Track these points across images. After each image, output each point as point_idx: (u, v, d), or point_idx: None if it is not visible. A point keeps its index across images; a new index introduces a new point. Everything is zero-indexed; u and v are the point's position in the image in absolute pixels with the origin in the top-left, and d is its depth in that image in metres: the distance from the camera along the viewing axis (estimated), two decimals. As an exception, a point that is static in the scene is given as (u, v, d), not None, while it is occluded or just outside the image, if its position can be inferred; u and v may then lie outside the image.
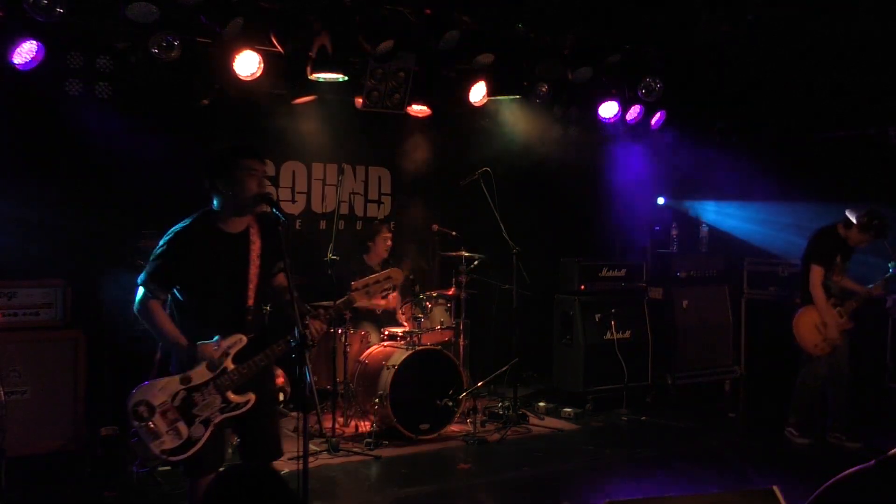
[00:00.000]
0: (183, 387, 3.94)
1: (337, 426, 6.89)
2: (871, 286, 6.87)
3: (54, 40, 6.18)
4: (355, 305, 4.33)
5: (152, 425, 3.88)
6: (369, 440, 6.73)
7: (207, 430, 3.95)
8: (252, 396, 4.03)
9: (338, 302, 4.35)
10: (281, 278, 4.26)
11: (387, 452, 6.61)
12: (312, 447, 6.56)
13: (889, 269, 6.81)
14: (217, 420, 3.97)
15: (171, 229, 4.06)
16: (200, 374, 3.96)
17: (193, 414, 3.93)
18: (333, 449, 6.54)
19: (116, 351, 6.38)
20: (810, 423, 7.08)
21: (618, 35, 7.71)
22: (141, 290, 4.02)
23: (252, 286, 4.08)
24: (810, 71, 8.08)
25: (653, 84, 8.23)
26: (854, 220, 6.80)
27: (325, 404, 7.08)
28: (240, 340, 4.00)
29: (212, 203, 4.11)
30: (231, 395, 3.98)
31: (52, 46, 6.16)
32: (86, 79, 6.50)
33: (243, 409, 4.02)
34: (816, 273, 6.86)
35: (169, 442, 3.91)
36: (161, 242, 4.04)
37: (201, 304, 4.04)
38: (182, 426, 3.92)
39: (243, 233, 4.11)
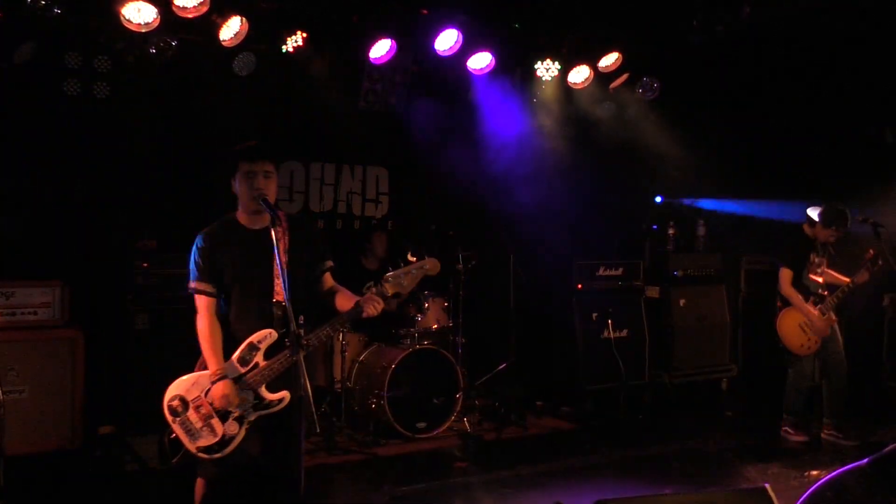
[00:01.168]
0: (215, 382, 3.98)
1: (334, 425, 6.89)
2: (855, 276, 6.88)
3: (52, 40, 6.20)
4: (390, 294, 4.21)
5: (187, 420, 3.92)
6: (366, 439, 6.75)
7: (242, 428, 3.97)
8: (286, 394, 4.05)
9: (371, 291, 4.23)
10: (328, 280, 4.36)
11: (384, 451, 6.63)
12: (310, 446, 6.59)
13: (869, 262, 6.83)
14: (252, 418, 4.00)
15: (200, 232, 4.19)
16: (232, 369, 3.99)
17: (227, 411, 3.96)
18: (331, 448, 6.56)
19: (114, 350, 6.40)
20: (805, 421, 7.12)
21: (616, 34, 7.72)
22: (197, 300, 4.10)
23: (279, 281, 4.05)
24: (808, 71, 8.10)
25: (650, 83, 8.26)
26: (816, 218, 6.88)
27: (323, 404, 7.11)
28: (269, 335, 4.04)
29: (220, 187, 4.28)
30: (264, 392, 4.01)
31: (51, 46, 6.18)
32: (84, 78, 6.53)
33: (278, 407, 4.04)
34: (784, 275, 6.97)
35: (205, 440, 3.94)
36: (193, 247, 4.14)
37: (227, 300, 4.12)
38: (216, 423, 3.96)
39: (265, 229, 4.09)
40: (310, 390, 3.75)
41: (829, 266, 7.07)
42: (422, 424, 6.92)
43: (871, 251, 6.79)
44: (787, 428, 7.13)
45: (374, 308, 4.11)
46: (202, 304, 4.10)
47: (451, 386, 7.05)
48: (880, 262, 6.73)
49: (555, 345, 8.55)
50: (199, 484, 4.11)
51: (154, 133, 7.06)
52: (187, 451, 3.92)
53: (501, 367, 7.84)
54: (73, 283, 6.24)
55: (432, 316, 7.48)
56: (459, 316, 7.62)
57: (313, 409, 3.74)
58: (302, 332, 3.86)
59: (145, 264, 6.45)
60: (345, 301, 4.23)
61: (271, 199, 4.07)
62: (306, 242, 4.20)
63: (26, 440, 5.79)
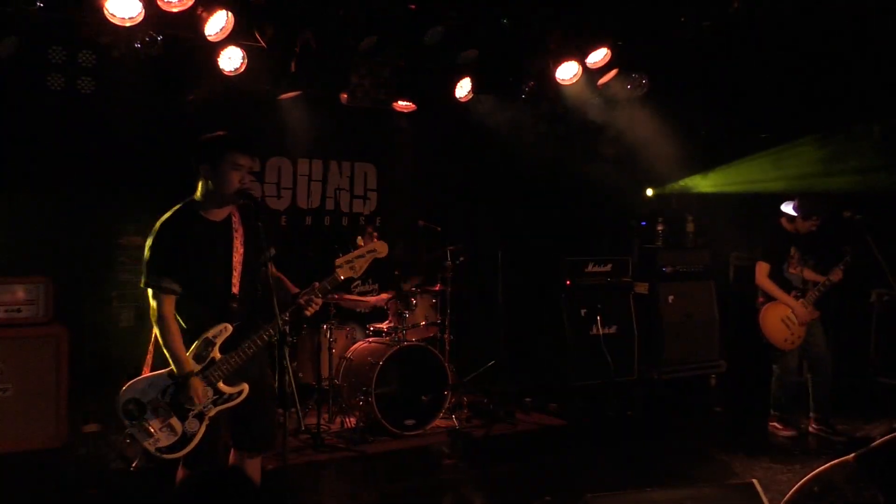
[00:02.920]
0: (172, 381, 3.91)
1: (322, 422, 6.87)
2: (829, 275, 6.91)
3: (36, 35, 6.15)
4: (342, 279, 4.20)
5: (145, 424, 3.85)
6: (354, 436, 6.73)
7: (202, 425, 3.92)
8: (245, 386, 4.00)
9: (324, 280, 4.20)
10: (271, 269, 4.23)
11: (372, 448, 6.61)
12: (297, 443, 6.57)
13: (846, 257, 6.85)
14: (211, 413, 3.94)
15: (158, 222, 4.01)
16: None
17: (186, 408, 3.90)
18: (318, 445, 6.54)
19: (99, 348, 6.36)
20: (793, 416, 7.13)
21: (603, 30, 7.70)
22: (151, 293, 3.93)
23: (237, 273, 4.03)
24: (795, 68, 8.10)
25: (639, 80, 8.25)
26: (793, 212, 6.92)
27: (311, 401, 7.08)
28: (225, 329, 3.97)
29: (195, 190, 4.07)
30: (223, 386, 3.96)
31: (34, 41, 6.12)
32: (68, 74, 6.47)
33: (237, 400, 3.99)
34: (760, 268, 7.03)
35: (164, 440, 3.88)
36: (151, 238, 3.97)
37: (187, 293, 3.98)
38: (175, 422, 3.89)
39: (226, 220, 4.07)
40: (294, 384, 3.71)
41: (801, 260, 7.08)
42: (410, 421, 6.89)
43: (848, 250, 6.84)
44: (774, 423, 7.15)
45: (314, 307, 4.11)
46: (166, 302, 3.92)
47: (439, 383, 7.03)
48: (849, 261, 6.79)
49: (543, 341, 8.54)
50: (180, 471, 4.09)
51: (139, 129, 7.02)
52: (147, 453, 3.87)
53: (490, 363, 7.82)
54: (57, 280, 6.20)
55: (420, 312, 7.46)
56: (448, 312, 7.60)
57: (298, 405, 3.71)
58: (272, 330, 3.90)
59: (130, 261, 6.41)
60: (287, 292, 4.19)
61: None
62: (256, 232, 4.06)
63: (10, 438, 5.76)
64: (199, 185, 4.04)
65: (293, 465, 6.08)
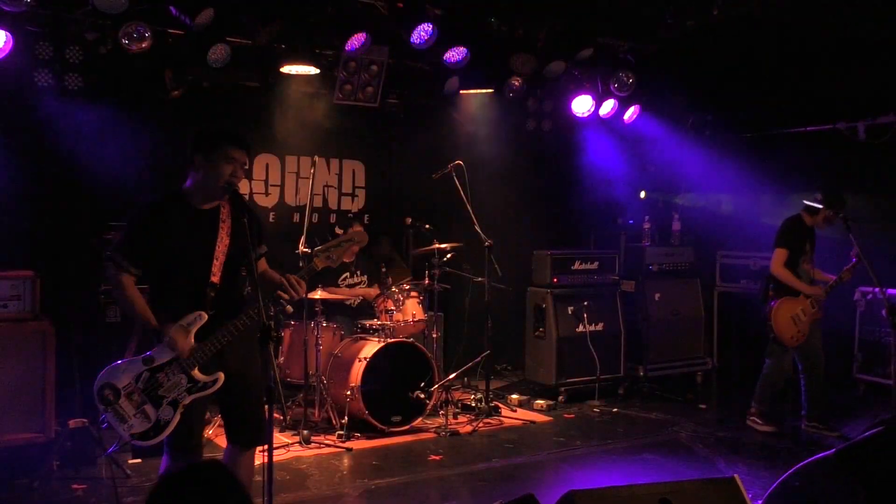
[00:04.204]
0: (146, 367, 3.92)
1: (309, 418, 6.88)
2: (841, 274, 6.95)
3: (23, 31, 6.14)
4: (320, 268, 4.22)
5: (119, 409, 3.86)
6: (341, 432, 6.74)
7: (176, 412, 3.92)
8: (221, 375, 4.00)
9: (302, 269, 4.24)
10: (262, 265, 4.29)
11: (358, 445, 6.62)
12: (284, 439, 6.58)
13: (853, 259, 6.90)
14: (186, 401, 3.94)
15: (142, 203, 4.07)
16: (162, 353, 3.93)
17: (160, 395, 3.91)
18: (305, 441, 6.55)
19: (85, 343, 6.34)
20: (772, 410, 7.18)
21: (590, 29, 7.74)
22: (110, 265, 3.99)
23: (218, 263, 4.04)
24: (782, 66, 8.16)
25: (625, 78, 8.29)
26: (817, 205, 6.93)
27: (298, 397, 7.09)
28: (199, 317, 3.97)
29: (186, 180, 4.12)
30: (197, 374, 3.95)
31: (21, 37, 6.11)
32: (55, 70, 6.46)
33: (213, 389, 3.99)
34: (779, 255, 6.94)
35: (138, 426, 3.89)
36: (130, 216, 4.04)
37: (162, 278, 4.03)
38: (149, 409, 3.90)
39: (213, 210, 4.10)
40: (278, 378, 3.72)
41: (810, 258, 7.11)
42: (397, 418, 6.91)
43: (856, 251, 6.88)
44: (754, 418, 7.18)
45: (294, 293, 4.10)
46: (126, 278, 3.97)
47: (426, 379, 7.05)
48: (858, 262, 6.83)
49: (530, 338, 8.57)
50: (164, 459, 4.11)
51: (127, 125, 7.01)
52: (121, 438, 3.89)
53: (477, 360, 7.84)
54: (44, 276, 6.18)
55: (408, 309, 7.47)
56: (435, 309, 7.62)
57: (283, 401, 3.72)
58: (246, 319, 3.93)
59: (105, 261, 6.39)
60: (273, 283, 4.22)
61: None
62: (242, 227, 4.03)
63: (-4, 433, 5.74)
64: (190, 175, 4.09)
65: (280, 461, 6.10)
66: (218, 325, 3.98)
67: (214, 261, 4.03)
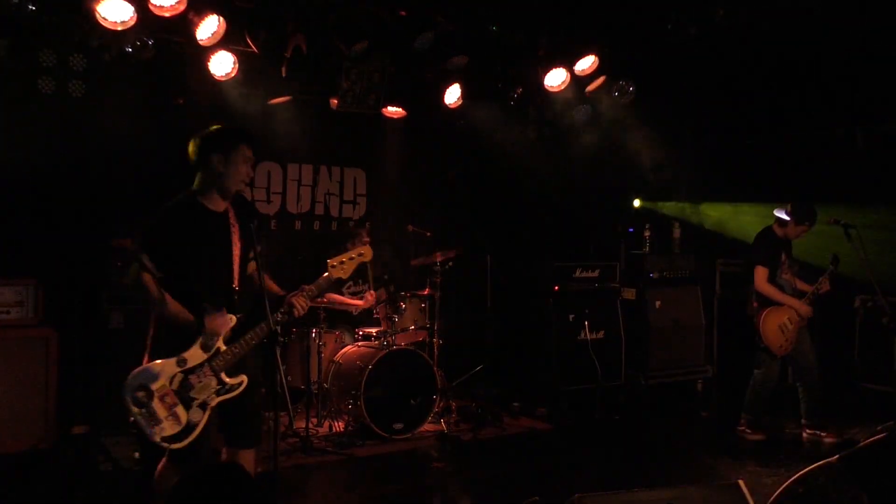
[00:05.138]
0: (179, 369, 3.93)
1: (311, 426, 6.89)
2: (817, 284, 6.98)
3: (27, 38, 6.16)
4: (335, 278, 4.32)
5: (152, 411, 3.85)
6: (343, 440, 6.74)
7: (205, 414, 3.95)
8: (244, 378, 4.05)
9: (318, 279, 4.29)
10: (252, 266, 4.28)
11: (360, 452, 6.62)
12: (286, 446, 6.57)
13: (830, 265, 6.93)
14: (213, 403, 3.97)
15: (160, 208, 4.07)
16: (195, 355, 3.96)
17: (191, 397, 3.92)
18: (307, 448, 6.55)
19: (89, 350, 6.36)
20: (761, 420, 7.18)
21: (591, 37, 7.76)
22: (135, 266, 3.97)
23: (236, 267, 4.11)
24: (780, 72, 8.18)
25: (625, 86, 8.31)
26: (786, 217, 6.97)
27: (299, 404, 7.09)
28: (230, 320, 4.02)
29: (193, 182, 4.14)
30: (225, 377, 3.99)
31: (25, 44, 6.13)
32: (59, 77, 6.48)
33: (237, 391, 4.03)
34: (760, 272, 7.00)
35: (169, 428, 3.87)
36: (152, 220, 4.03)
37: (186, 283, 4.02)
38: (181, 410, 3.90)
39: (224, 213, 4.15)
40: (286, 384, 3.75)
41: (789, 266, 7.14)
42: (398, 425, 6.91)
43: (833, 259, 6.91)
44: (744, 427, 7.18)
45: (303, 307, 4.18)
46: (149, 278, 3.95)
47: (428, 387, 7.06)
48: (834, 270, 6.89)
49: (531, 346, 8.58)
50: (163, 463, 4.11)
51: (130, 132, 7.02)
52: (150, 441, 3.88)
53: (478, 368, 7.85)
54: (47, 282, 6.20)
55: (409, 317, 7.48)
56: (436, 317, 7.63)
57: (290, 406, 3.74)
58: (266, 325, 3.97)
59: (120, 263, 6.40)
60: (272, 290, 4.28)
61: None
62: (249, 231, 4.14)
63: (-1, 440, 5.75)
64: (200, 176, 4.11)
65: (282, 468, 6.09)
66: (243, 327, 4.03)
67: (234, 265, 4.09)
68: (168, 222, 4.03)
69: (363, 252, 4.46)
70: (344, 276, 4.38)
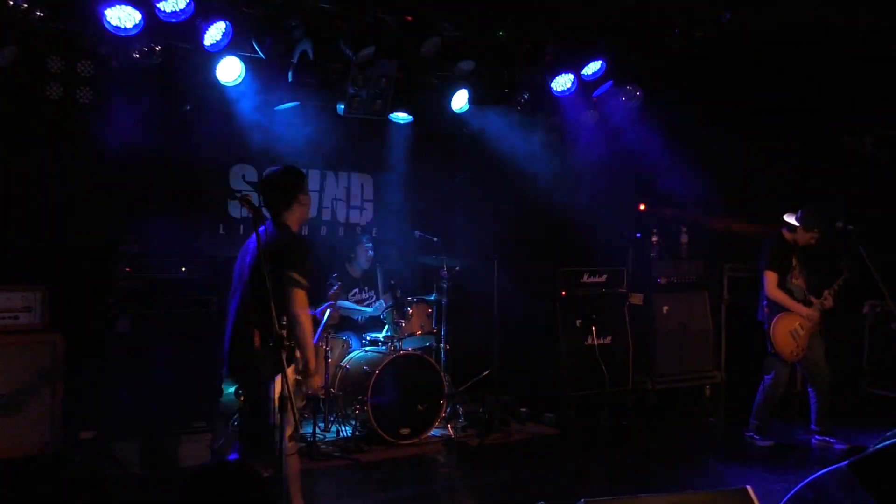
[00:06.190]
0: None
1: (318, 430, 6.88)
2: (822, 299, 6.95)
3: (34, 44, 6.18)
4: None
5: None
6: (350, 444, 6.74)
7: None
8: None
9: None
10: None
11: (367, 457, 6.62)
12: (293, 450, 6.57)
13: (837, 282, 6.91)
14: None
15: (300, 237, 4.85)
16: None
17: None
18: (314, 453, 6.54)
19: (96, 355, 6.36)
20: (770, 425, 7.16)
21: (598, 42, 7.76)
22: (301, 293, 4.41)
23: None
24: (789, 78, 8.16)
25: (633, 91, 8.30)
26: (795, 223, 6.93)
27: (306, 409, 7.09)
28: None
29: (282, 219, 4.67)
30: None
31: (33, 50, 6.15)
32: (66, 83, 6.50)
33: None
34: (770, 278, 6.97)
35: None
36: (303, 248, 4.59)
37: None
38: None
39: None
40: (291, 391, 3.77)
41: (800, 272, 7.10)
42: (405, 430, 6.91)
43: (844, 272, 6.86)
44: (752, 434, 7.16)
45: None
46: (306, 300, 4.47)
47: (434, 392, 7.05)
48: (841, 285, 6.88)
49: (539, 351, 8.56)
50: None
51: (137, 138, 7.03)
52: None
53: (485, 373, 7.84)
54: (55, 287, 6.21)
55: (416, 322, 7.47)
56: (443, 322, 7.62)
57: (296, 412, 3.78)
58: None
59: (128, 268, 6.41)
60: None
61: None
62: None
63: (5, 445, 5.75)
64: (289, 212, 4.65)
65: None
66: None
67: None
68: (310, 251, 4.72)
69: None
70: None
